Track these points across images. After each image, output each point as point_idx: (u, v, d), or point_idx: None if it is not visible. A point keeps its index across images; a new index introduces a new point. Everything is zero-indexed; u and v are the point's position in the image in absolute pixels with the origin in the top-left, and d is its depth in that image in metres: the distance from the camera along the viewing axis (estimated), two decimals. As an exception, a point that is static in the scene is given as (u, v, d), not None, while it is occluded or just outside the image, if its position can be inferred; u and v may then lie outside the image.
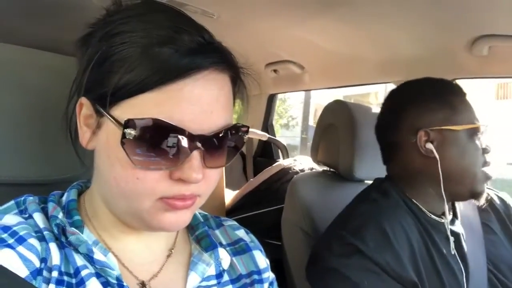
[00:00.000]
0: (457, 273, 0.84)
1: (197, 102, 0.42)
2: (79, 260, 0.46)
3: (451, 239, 0.87)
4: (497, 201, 1.00)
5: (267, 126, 1.95)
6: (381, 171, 1.02)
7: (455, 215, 0.94)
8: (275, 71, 1.57)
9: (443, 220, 0.88)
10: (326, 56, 1.37)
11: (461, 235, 0.89)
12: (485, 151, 0.87)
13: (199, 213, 0.62)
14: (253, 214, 1.28)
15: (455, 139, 0.86)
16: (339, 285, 0.80)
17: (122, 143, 0.41)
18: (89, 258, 0.46)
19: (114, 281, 0.46)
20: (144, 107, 0.41)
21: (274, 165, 1.42)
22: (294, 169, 1.36)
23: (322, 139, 1.21)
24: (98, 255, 0.46)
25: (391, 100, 0.97)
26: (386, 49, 1.23)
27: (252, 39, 1.33)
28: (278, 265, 0.83)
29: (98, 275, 0.46)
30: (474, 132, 0.86)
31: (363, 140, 1.09)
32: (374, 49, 1.25)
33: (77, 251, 0.46)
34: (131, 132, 0.41)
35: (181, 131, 0.42)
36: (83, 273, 0.45)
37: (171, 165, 0.43)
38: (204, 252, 0.55)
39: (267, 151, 1.91)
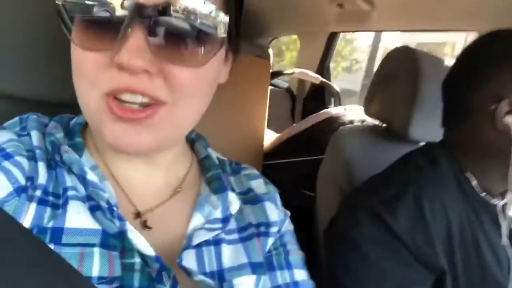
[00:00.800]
0: (503, 263, 0.73)
1: None
2: (70, 181, 0.43)
3: (505, 224, 0.74)
4: None
5: (322, 68, 1.80)
6: (441, 135, 0.88)
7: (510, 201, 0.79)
8: (340, 5, 1.38)
9: (497, 202, 0.75)
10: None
11: None
12: None
13: (217, 157, 0.57)
14: (291, 161, 1.21)
15: None
16: (355, 260, 0.72)
17: (61, 18, 0.37)
18: (82, 179, 0.43)
19: (105, 205, 0.42)
20: None
21: (321, 112, 1.31)
22: (342, 119, 1.24)
23: (379, 89, 1.07)
24: (91, 175, 0.43)
25: (473, 53, 0.78)
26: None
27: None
28: (306, 215, 0.77)
29: (89, 198, 0.42)
30: None
31: (426, 96, 0.94)
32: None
33: (71, 172, 0.43)
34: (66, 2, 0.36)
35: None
36: (69, 193, 0.41)
37: (112, 45, 0.36)
38: (213, 194, 0.50)
39: (319, 96, 1.77)
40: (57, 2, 0.37)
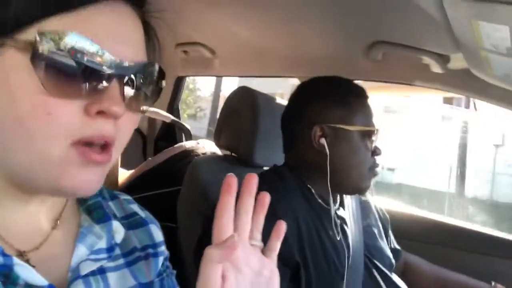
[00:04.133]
0: (341, 256, 0.92)
1: (117, 27, 0.40)
2: None
3: (338, 222, 0.95)
4: (377, 206, 1.15)
5: (172, 110, 1.89)
6: (280, 159, 1.06)
7: (342, 206, 1.02)
8: (185, 52, 1.53)
9: (329, 207, 0.95)
10: (238, 43, 1.38)
11: (345, 223, 0.98)
12: (374, 153, 0.96)
13: None
14: (148, 195, 1.23)
15: (347, 138, 0.94)
16: None
17: (33, 61, 0.36)
18: None
19: None
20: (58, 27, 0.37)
21: (175, 146, 1.39)
22: (196, 152, 1.34)
23: (225, 124, 1.22)
24: None
25: (298, 93, 1.03)
26: (293, 44, 1.28)
27: (164, 16, 1.28)
28: (172, 247, 0.80)
29: None
30: (366, 134, 0.94)
31: (264, 127, 1.12)
32: (283, 43, 1.30)
33: None
34: (44, 47, 0.36)
35: (101, 55, 0.38)
36: None
37: (89, 94, 0.38)
38: (96, 224, 0.50)
39: (170, 135, 1.85)
40: (40, 51, 0.36)
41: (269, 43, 1.31)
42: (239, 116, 1.17)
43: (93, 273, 0.47)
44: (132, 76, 0.41)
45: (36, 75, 0.36)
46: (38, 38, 0.36)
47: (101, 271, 0.48)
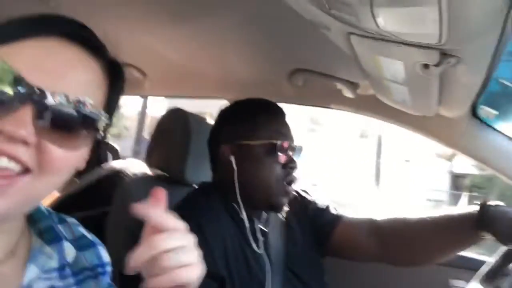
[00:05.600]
0: (263, 268, 0.97)
1: (46, 59, 0.43)
2: None
3: (260, 239, 1.00)
4: (298, 201, 1.16)
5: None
6: (210, 177, 1.11)
7: (266, 219, 1.07)
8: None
9: (252, 223, 1.00)
10: (168, 66, 1.41)
11: (268, 237, 1.03)
12: (286, 166, 0.99)
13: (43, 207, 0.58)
14: (77, 216, 1.20)
15: (252, 153, 0.99)
16: None
17: None
18: None
19: None
20: None
21: (104, 166, 1.37)
22: (126, 172, 1.33)
23: (157, 144, 1.24)
24: None
25: (217, 116, 1.10)
26: (221, 67, 1.36)
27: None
28: None
29: None
30: (272, 148, 0.98)
31: (196, 147, 1.17)
32: (211, 66, 1.36)
33: None
34: None
35: (18, 80, 0.40)
36: None
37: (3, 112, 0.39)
38: (47, 245, 0.52)
39: (98, 155, 1.80)
40: None
41: (198, 66, 1.37)
42: (171, 136, 1.20)
43: None
44: (55, 106, 0.42)
45: None
46: None
47: None
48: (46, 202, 1.30)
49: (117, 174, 1.31)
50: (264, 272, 0.97)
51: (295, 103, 1.41)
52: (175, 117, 1.22)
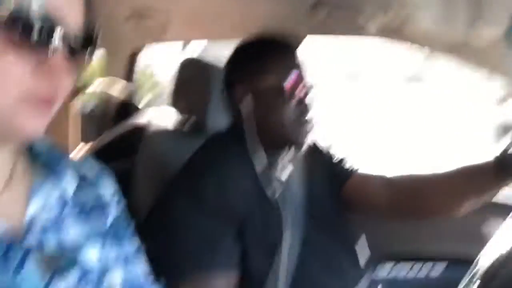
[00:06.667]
0: (281, 213, 0.95)
1: None
2: None
3: (278, 184, 0.97)
4: (315, 148, 1.13)
5: (128, 87, 1.87)
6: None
7: (284, 167, 1.02)
8: (136, 23, 1.50)
9: (269, 168, 0.97)
10: (189, 8, 1.39)
11: (286, 181, 1.00)
12: (300, 104, 0.95)
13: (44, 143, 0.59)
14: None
15: (263, 93, 0.95)
16: (177, 228, 0.85)
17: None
18: None
19: None
20: None
21: (130, 120, 1.39)
22: (151, 125, 1.34)
23: (179, 93, 1.22)
24: None
25: (228, 58, 1.05)
26: (243, 5, 1.30)
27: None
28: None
29: None
30: (283, 86, 0.93)
31: (216, 92, 1.13)
32: (233, 4, 1.32)
33: None
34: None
35: (47, 15, 0.42)
36: None
37: (38, 53, 0.42)
38: (49, 178, 0.53)
39: (127, 112, 1.83)
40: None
41: (219, 5, 1.33)
42: (191, 85, 1.18)
43: (48, 224, 0.50)
44: (76, 38, 0.46)
45: None
46: None
47: (56, 222, 0.51)
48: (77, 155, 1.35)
49: (142, 127, 1.32)
50: (282, 218, 0.95)
51: (319, 35, 1.33)
52: (192, 65, 1.19)
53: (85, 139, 1.52)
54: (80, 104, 1.73)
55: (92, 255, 0.53)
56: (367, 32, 1.16)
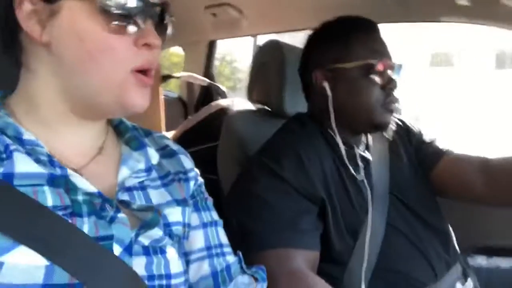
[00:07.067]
0: (364, 194, 0.94)
1: None
2: (8, 140, 0.48)
3: (360, 165, 0.97)
4: (403, 128, 1.10)
5: (208, 74, 1.97)
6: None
7: (367, 146, 1.03)
8: (214, 15, 1.58)
9: (351, 149, 0.98)
10: (262, 2, 1.41)
11: (369, 163, 0.99)
12: (385, 87, 0.92)
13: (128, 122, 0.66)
14: (190, 152, 1.33)
15: (346, 76, 0.93)
16: (256, 206, 0.88)
17: (97, 8, 0.48)
18: (18, 140, 0.49)
19: (45, 158, 0.49)
20: None
21: (212, 104, 1.47)
22: (231, 109, 1.41)
23: (256, 78, 1.27)
24: (27, 134, 0.50)
25: (305, 42, 1.05)
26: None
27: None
28: (215, 198, 0.89)
29: (28, 154, 0.48)
30: (368, 68, 0.91)
31: (292, 78, 1.16)
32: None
33: (5, 135, 0.49)
34: None
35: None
36: (11, 147, 0.47)
37: (138, 30, 0.51)
38: (134, 151, 0.60)
39: (209, 98, 1.93)
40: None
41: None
42: (268, 69, 1.21)
43: (135, 188, 0.57)
44: (161, 10, 0.55)
45: (99, 18, 0.49)
46: None
47: (143, 187, 0.58)
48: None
49: (224, 111, 1.39)
50: (365, 198, 0.95)
51: (400, 21, 1.28)
52: (270, 50, 1.22)
53: (169, 126, 1.64)
54: (164, 92, 1.86)
55: (174, 216, 0.59)
56: (454, 13, 1.09)
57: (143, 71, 0.52)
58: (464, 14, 1.11)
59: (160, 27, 0.55)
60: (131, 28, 0.50)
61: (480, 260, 1.28)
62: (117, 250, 0.50)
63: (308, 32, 1.05)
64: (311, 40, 1.03)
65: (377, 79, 0.92)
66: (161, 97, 1.50)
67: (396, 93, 0.95)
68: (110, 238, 0.50)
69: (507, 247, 1.29)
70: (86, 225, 0.49)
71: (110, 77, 0.50)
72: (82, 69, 0.50)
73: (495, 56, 12.61)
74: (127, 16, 0.50)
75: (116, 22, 0.49)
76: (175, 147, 0.68)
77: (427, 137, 1.10)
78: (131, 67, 0.51)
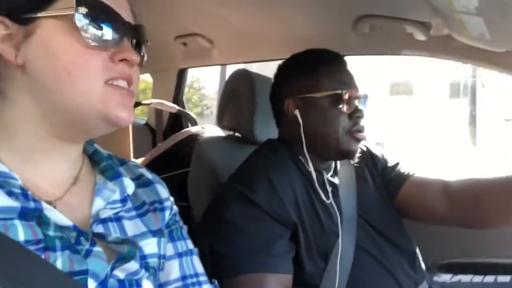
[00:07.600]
0: (334, 218, 0.97)
1: None
2: None
3: (329, 190, 1.01)
4: (368, 154, 1.15)
5: (177, 102, 1.98)
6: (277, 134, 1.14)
7: (335, 170, 1.07)
8: (184, 44, 1.60)
9: (321, 174, 1.02)
10: (233, 31, 1.45)
11: (337, 187, 1.03)
12: (352, 116, 0.98)
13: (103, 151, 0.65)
14: (161, 178, 1.32)
15: (317, 105, 0.98)
16: (229, 232, 0.88)
17: (73, 25, 0.49)
18: None
19: (18, 191, 0.48)
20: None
21: (182, 131, 1.47)
22: (201, 136, 1.43)
23: (227, 105, 1.29)
24: (0, 166, 0.48)
25: (276, 71, 1.10)
26: (285, 27, 1.35)
27: (161, 10, 1.36)
28: (187, 224, 0.89)
29: (0, 187, 0.47)
30: (336, 98, 0.96)
31: (262, 105, 1.19)
32: (277, 26, 1.36)
33: None
34: (83, 10, 0.49)
35: (118, 15, 0.52)
36: None
37: (115, 45, 0.52)
38: (109, 181, 0.59)
39: (178, 125, 1.94)
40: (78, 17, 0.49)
41: (262, 28, 1.38)
42: (239, 96, 1.24)
43: (110, 219, 0.56)
44: (138, 31, 0.56)
45: (76, 36, 0.49)
46: (76, 5, 0.48)
47: (117, 218, 0.57)
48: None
49: (195, 138, 1.40)
50: (335, 221, 0.97)
51: (362, 54, 1.36)
52: (241, 78, 1.25)
53: (137, 153, 1.62)
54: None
55: (149, 247, 0.59)
56: (413, 47, 1.18)
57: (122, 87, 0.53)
58: (423, 49, 1.20)
59: (136, 48, 0.56)
60: (108, 44, 0.51)
61: (445, 278, 1.33)
62: (91, 285, 0.49)
63: (278, 63, 1.10)
64: (282, 71, 1.08)
65: (344, 108, 0.97)
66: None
67: (362, 122, 1.00)
68: (85, 272, 0.48)
69: (469, 264, 1.34)
70: (60, 260, 0.47)
71: (86, 90, 0.50)
72: (58, 86, 0.50)
73: (449, 86, 13.43)
74: (104, 33, 0.51)
75: (93, 39, 0.50)
76: (150, 176, 0.68)
77: (390, 162, 1.15)
78: (105, 78, 0.51)
